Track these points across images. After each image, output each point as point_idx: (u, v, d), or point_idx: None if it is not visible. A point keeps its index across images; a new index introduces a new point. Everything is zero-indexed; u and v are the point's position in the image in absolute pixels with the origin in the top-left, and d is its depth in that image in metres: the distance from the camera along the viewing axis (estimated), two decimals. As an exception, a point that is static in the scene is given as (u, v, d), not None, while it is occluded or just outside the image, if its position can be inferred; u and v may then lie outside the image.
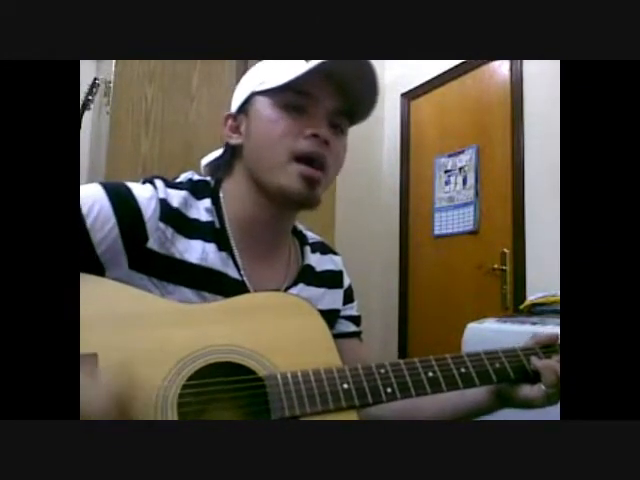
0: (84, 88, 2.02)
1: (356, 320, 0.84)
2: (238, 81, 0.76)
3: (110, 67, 1.88)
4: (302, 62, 0.67)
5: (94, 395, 0.46)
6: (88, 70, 2.16)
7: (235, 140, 0.72)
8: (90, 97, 2.01)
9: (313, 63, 0.64)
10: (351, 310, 0.83)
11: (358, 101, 0.69)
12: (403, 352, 2.89)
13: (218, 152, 0.78)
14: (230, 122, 0.74)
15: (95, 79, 2.02)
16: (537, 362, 0.67)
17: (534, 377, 0.67)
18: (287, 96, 0.66)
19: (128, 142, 1.84)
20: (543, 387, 0.65)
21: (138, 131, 1.86)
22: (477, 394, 0.71)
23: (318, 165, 0.66)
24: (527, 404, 0.66)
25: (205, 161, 0.79)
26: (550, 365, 0.66)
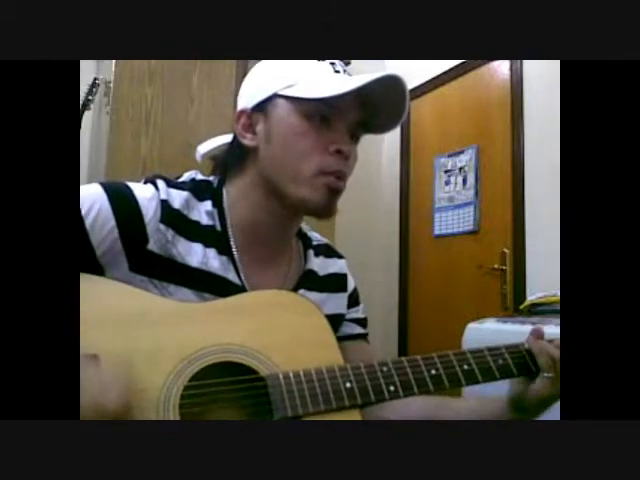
0: (84, 88, 2.02)
1: (362, 322, 0.82)
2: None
3: (110, 67, 1.88)
4: (329, 67, 0.66)
5: (105, 390, 0.46)
6: (88, 70, 2.16)
7: (250, 141, 0.68)
8: (90, 97, 2.02)
9: (355, 81, 0.62)
10: (356, 313, 0.82)
11: (382, 115, 0.69)
12: (403, 352, 2.88)
13: (219, 140, 0.75)
14: (244, 120, 0.69)
15: (95, 79, 2.02)
16: (532, 343, 0.67)
17: (537, 372, 0.66)
18: (315, 107, 0.64)
19: (128, 142, 1.84)
20: (543, 374, 0.65)
21: (138, 131, 1.86)
22: (494, 406, 0.71)
23: (339, 177, 0.66)
24: (541, 400, 0.65)
25: (204, 149, 0.76)
26: (544, 347, 0.66)
